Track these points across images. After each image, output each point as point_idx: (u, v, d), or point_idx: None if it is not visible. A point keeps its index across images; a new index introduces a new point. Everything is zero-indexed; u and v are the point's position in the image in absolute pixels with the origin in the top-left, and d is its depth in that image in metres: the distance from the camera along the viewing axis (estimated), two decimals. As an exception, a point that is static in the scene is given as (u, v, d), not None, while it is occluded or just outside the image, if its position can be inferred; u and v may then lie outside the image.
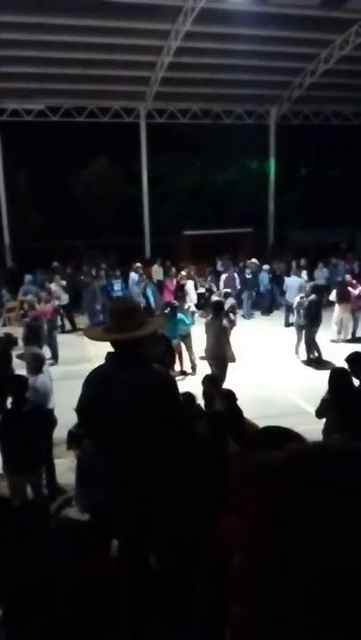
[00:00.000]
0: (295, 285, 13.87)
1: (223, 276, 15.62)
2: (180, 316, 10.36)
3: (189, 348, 10.47)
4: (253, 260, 16.41)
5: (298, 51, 17.03)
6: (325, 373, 5.65)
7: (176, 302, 11.13)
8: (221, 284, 15.10)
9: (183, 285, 13.88)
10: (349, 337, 12.60)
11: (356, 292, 12.52)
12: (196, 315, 13.42)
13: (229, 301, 11.56)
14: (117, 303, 3.24)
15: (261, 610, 0.53)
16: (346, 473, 0.56)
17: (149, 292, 14.42)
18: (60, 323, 13.49)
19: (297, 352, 11.26)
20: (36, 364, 6.28)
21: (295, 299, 13.64)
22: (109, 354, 2.86)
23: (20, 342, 9.92)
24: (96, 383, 2.85)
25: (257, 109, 21.39)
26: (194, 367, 10.38)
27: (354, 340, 12.44)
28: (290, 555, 0.53)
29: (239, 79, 18.22)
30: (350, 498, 0.54)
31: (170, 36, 15.49)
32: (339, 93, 20.02)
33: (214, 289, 14.16)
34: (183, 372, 10.38)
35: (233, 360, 9.34)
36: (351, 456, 0.59)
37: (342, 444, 0.62)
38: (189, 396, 5.23)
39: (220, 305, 9.42)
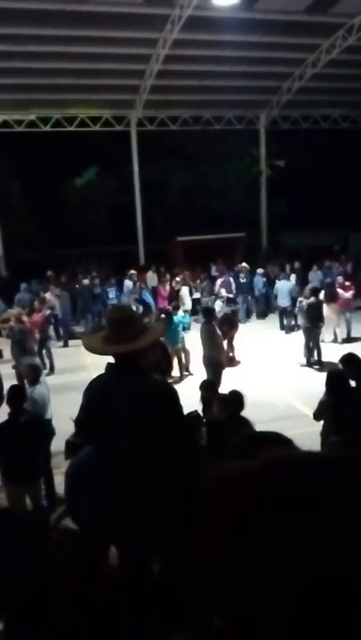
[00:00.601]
0: (285, 289, 13.99)
1: (219, 281, 15.71)
2: (176, 320, 10.39)
3: (184, 352, 10.53)
4: (244, 264, 16.46)
5: (285, 56, 17.16)
6: (323, 375, 5.66)
7: (170, 307, 11.16)
8: (217, 289, 15.26)
9: (178, 291, 13.88)
10: (345, 336, 12.64)
11: (347, 294, 12.56)
12: (192, 320, 13.40)
13: (231, 307, 11.65)
14: (114, 312, 3.14)
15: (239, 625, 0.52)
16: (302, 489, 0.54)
17: (147, 296, 14.44)
18: (53, 333, 13.46)
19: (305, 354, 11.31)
20: (33, 375, 6.27)
21: (286, 303, 13.80)
22: (109, 364, 2.86)
23: (9, 355, 9.96)
24: (96, 393, 2.85)
25: (246, 115, 21.53)
26: (187, 369, 10.49)
27: (349, 340, 12.48)
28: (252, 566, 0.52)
29: (228, 85, 18.34)
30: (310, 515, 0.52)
31: (158, 44, 15.59)
32: (327, 97, 20.19)
33: (223, 294, 14.10)
34: (181, 377, 10.39)
35: (224, 365, 9.35)
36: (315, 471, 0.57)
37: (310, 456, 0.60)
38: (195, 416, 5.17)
39: (209, 310, 9.62)
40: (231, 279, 15.75)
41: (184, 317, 10.77)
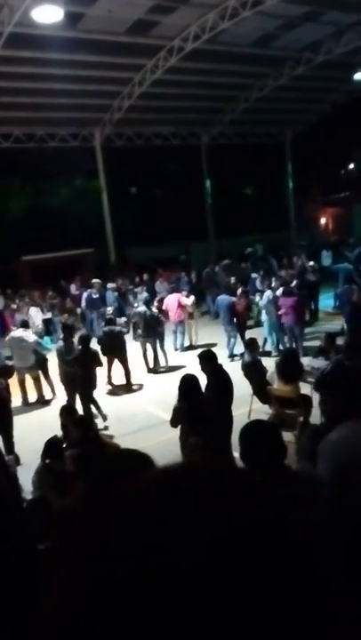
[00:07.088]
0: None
1: (85, 295, 15.88)
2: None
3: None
4: (96, 279, 16.50)
5: (114, 75, 17.55)
6: (176, 381, 5.91)
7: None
8: (83, 303, 15.65)
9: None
10: (190, 343, 13.29)
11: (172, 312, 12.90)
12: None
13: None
14: None
15: None
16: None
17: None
18: None
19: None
20: None
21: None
22: None
23: None
24: None
25: (81, 132, 21.60)
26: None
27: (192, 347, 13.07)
28: None
29: (60, 103, 18.23)
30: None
31: (-21, 59, 14.93)
32: (156, 115, 21.13)
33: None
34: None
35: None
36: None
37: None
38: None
39: (67, 327, 10.16)
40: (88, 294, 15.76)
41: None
